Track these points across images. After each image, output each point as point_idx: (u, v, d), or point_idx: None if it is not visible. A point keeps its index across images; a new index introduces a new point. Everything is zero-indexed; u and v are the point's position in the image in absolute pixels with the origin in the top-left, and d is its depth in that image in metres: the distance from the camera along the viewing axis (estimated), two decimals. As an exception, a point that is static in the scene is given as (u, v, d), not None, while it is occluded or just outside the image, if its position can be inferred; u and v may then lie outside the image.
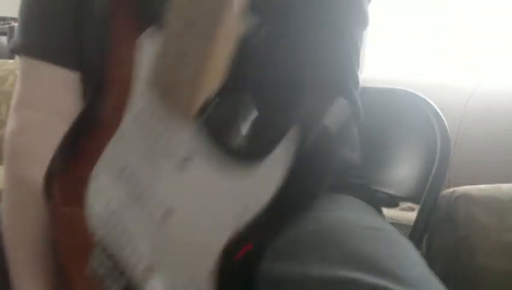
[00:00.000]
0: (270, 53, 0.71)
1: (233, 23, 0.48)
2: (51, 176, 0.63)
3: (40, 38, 0.75)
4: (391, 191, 1.02)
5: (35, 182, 0.64)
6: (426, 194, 1.01)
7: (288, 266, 0.63)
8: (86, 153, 0.61)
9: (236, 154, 0.49)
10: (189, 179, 0.51)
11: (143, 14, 0.56)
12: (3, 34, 2.90)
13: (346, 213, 0.73)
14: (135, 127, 0.56)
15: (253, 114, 0.52)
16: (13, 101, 0.77)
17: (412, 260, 0.67)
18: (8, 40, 2.87)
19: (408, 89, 1.06)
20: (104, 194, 0.58)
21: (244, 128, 0.51)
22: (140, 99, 0.55)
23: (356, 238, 0.66)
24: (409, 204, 1.68)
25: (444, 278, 1.04)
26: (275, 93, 0.72)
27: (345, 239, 0.65)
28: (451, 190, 1.07)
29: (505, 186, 1.10)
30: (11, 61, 2.27)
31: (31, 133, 0.73)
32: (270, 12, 0.71)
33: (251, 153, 0.49)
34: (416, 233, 0.99)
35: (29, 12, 0.76)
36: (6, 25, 2.93)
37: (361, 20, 0.82)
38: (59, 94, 0.73)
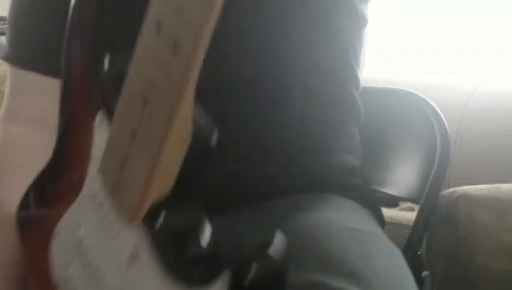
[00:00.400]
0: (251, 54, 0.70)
1: (185, 128, 0.42)
2: (21, 215, 0.61)
3: (27, 48, 0.74)
4: (391, 191, 1.02)
5: (5, 202, 0.63)
6: (426, 194, 1.01)
7: None
8: (52, 203, 0.59)
9: (179, 271, 0.45)
10: (133, 276, 0.48)
11: (99, 96, 0.52)
12: (3, 34, 2.90)
13: (329, 214, 0.72)
14: (92, 205, 0.52)
15: (206, 231, 0.46)
16: (1, 112, 0.75)
17: (385, 262, 0.66)
18: (8, 40, 2.88)
19: (408, 89, 1.06)
20: (63, 255, 0.56)
21: (191, 247, 0.46)
22: (96, 181, 0.51)
23: (333, 240, 0.65)
24: (409, 204, 1.68)
25: (444, 278, 1.04)
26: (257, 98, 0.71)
27: (321, 240, 0.65)
28: (451, 190, 1.07)
29: (505, 186, 1.10)
30: (11, 61, 2.26)
31: (11, 147, 0.72)
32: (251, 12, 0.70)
33: (193, 275, 0.45)
34: (416, 233, 0.99)
35: (16, 22, 0.76)
36: (6, 25, 2.93)
37: (356, 19, 0.81)
38: (45, 105, 0.71)
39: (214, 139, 0.45)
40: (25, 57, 0.74)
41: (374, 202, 0.83)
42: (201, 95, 0.71)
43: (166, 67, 0.39)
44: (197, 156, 0.45)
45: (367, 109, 0.86)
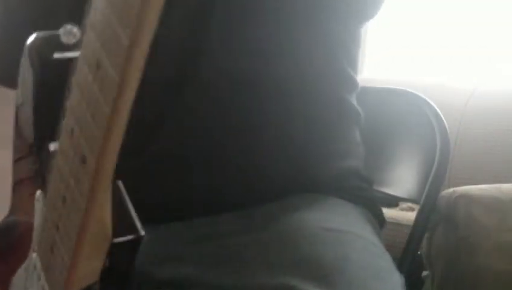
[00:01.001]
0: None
1: (102, 227, 0.43)
2: None
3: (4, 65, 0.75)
4: (391, 191, 1.02)
5: None
6: (426, 194, 1.01)
7: (228, 274, 0.63)
8: (9, 255, 0.61)
9: None
10: None
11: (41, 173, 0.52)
12: (3, 34, 2.90)
13: (312, 214, 0.71)
14: (34, 273, 0.53)
15: None
16: None
17: (363, 262, 0.65)
18: (8, 41, 2.88)
19: (408, 89, 1.06)
20: None
21: None
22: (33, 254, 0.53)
23: (311, 241, 0.65)
24: (409, 204, 1.68)
25: (444, 278, 1.05)
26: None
27: (298, 242, 0.65)
28: (451, 190, 1.07)
29: (505, 186, 1.10)
30: (11, 61, 2.27)
31: None
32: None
33: None
34: (416, 233, 0.99)
35: None
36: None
37: (350, 17, 0.79)
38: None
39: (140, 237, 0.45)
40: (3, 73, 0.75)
41: (373, 202, 0.83)
42: (195, 100, 0.70)
43: (76, 174, 0.40)
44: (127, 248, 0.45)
45: (367, 109, 0.86)
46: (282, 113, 0.73)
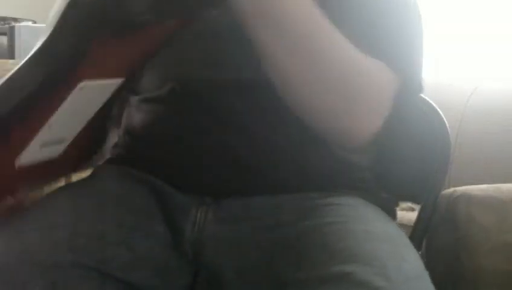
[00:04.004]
0: None
1: None
2: None
3: None
4: (391, 191, 1.02)
5: None
6: (426, 194, 1.01)
7: (290, 265, 0.68)
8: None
9: None
10: None
11: None
12: (3, 34, 2.90)
13: (364, 212, 0.77)
14: None
15: None
16: None
17: (416, 263, 0.70)
18: (8, 40, 2.87)
19: (408, 89, 1.05)
20: None
21: None
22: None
23: (366, 237, 0.70)
24: (409, 204, 1.68)
25: (444, 278, 1.04)
26: None
27: (354, 235, 0.70)
28: (451, 190, 1.07)
29: (505, 186, 1.09)
30: (11, 61, 2.27)
31: None
32: None
33: None
34: (417, 233, 0.99)
35: None
36: (6, 25, 2.92)
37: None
38: None
39: None
40: None
41: (387, 202, 0.86)
42: (211, 96, 0.77)
43: None
44: None
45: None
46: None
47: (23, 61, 0.68)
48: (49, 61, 0.67)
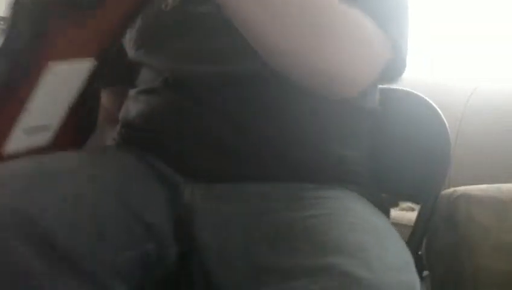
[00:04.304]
0: None
1: None
2: None
3: None
4: (391, 191, 1.02)
5: None
6: (426, 194, 1.01)
7: (284, 254, 0.69)
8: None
9: None
10: None
11: None
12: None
13: (352, 204, 0.78)
14: None
15: None
16: None
17: (398, 254, 0.71)
18: (8, 40, 2.88)
19: (408, 89, 1.06)
20: None
21: None
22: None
23: (352, 227, 0.71)
24: (409, 204, 1.68)
25: (444, 278, 1.04)
26: None
27: (339, 226, 0.71)
28: (451, 190, 1.07)
29: (505, 186, 1.09)
30: (11, 61, 2.26)
31: None
32: None
33: None
34: (416, 233, 0.99)
35: None
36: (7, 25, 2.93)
37: None
38: None
39: None
40: None
41: (378, 197, 0.87)
42: (201, 87, 0.80)
43: None
44: None
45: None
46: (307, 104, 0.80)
47: None
48: (12, 47, 0.71)
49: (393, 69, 0.79)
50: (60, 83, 0.77)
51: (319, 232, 0.69)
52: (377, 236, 0.71)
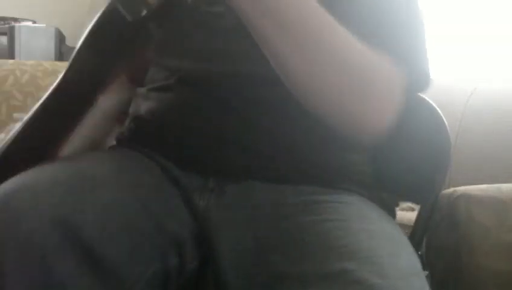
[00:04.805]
0: None
1: None
2: None
3: None
4: (391, 191, 1.02)
5: None
6: (426, 194, 1.01)
7: (294, 260, 0.68)
8: None
9: None
10: None
11: None
12: (3, 34, 2.90)
13: (366, 211, 0.78)
14: None
15: None
16: None
17: (410, 261, 0.71)
18: (8, 40, 2.87)
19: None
20: None
21: None
22: None
23: (367, 235, 0.71)
24: (409, 204, 1.68)
25: (444, 278, 1.04)
26: None
27: (355, 233, 0.71)
28: (451, 190, 1.07)
29: (505, 186, 1.10)
30: (11, 61, 2.27)
31: None
32: None
33: None
34: (416, 233, 0.99)
35: None
36: (6, 25, 2.93)
37: None
38: None
39: None
40: None
41: (386, 201, 0.87)
42: (211, 86, 0.80)
43: None
44: None
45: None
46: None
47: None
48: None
49: (416, 89, 0.81)
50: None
51: (332, 237, 0.69)
52: (389, 242, 0.71)
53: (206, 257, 0.77)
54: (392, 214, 0.87)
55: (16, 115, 1.71)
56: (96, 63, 0.84)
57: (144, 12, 0.68)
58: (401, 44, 0.77)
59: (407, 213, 1.56)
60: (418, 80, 0.79)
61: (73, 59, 0.83)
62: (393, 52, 0.75)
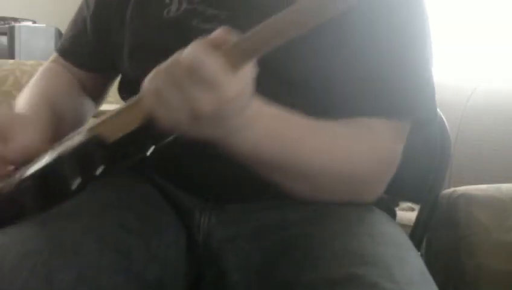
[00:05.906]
0: None
1: None
2: None
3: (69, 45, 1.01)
4: (391, 191, 1.02)
5: None
6: (426, 194, 1.01)
7: (298, 267, 0.68)
8: None
9: None
10: None
11: None
12: (3, 34, 2.90)
13: (370, 217, 0.78)
14: None
15: None
16: None
17: (418, 266, 0.70)
18: (8, 40, 2.87)
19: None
20: None
21: None
22: None
23: (372, 240, 0.71)
24: (409, 204, 1.68)
25: (444, 278, 1.04)
26: None
27: (360, 238, 0.71)
28: (451, 190, 1.07)
29: (505, 186, 1.09)
30: (11, 61, 2.27)
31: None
32: None
33: None
34: (416, 233, 0.99)
35: (69, 25, 1.03)
36: (6, 25, 2.93)
37: None
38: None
39: None
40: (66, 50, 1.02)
41: (387, 201, 0.87)
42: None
43: None
44: None
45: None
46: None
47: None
48: None
49: (424, 123, 0.83)
50: None
51: (339, 243, 0.69)
52: (395, 247, 0.71)
53: (213, 273, 0.77)
54: (392, 214, 0.87)
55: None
56: None
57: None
58: (401, 87, 0.78)
59: (407, 213, 1.56)
60: (425, 116, 0.81)
61: None
62: (391, 105, 0.76)
